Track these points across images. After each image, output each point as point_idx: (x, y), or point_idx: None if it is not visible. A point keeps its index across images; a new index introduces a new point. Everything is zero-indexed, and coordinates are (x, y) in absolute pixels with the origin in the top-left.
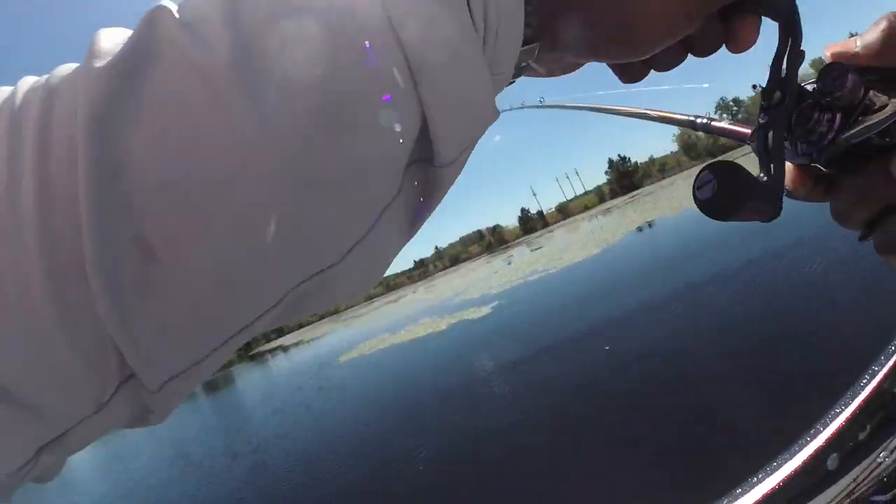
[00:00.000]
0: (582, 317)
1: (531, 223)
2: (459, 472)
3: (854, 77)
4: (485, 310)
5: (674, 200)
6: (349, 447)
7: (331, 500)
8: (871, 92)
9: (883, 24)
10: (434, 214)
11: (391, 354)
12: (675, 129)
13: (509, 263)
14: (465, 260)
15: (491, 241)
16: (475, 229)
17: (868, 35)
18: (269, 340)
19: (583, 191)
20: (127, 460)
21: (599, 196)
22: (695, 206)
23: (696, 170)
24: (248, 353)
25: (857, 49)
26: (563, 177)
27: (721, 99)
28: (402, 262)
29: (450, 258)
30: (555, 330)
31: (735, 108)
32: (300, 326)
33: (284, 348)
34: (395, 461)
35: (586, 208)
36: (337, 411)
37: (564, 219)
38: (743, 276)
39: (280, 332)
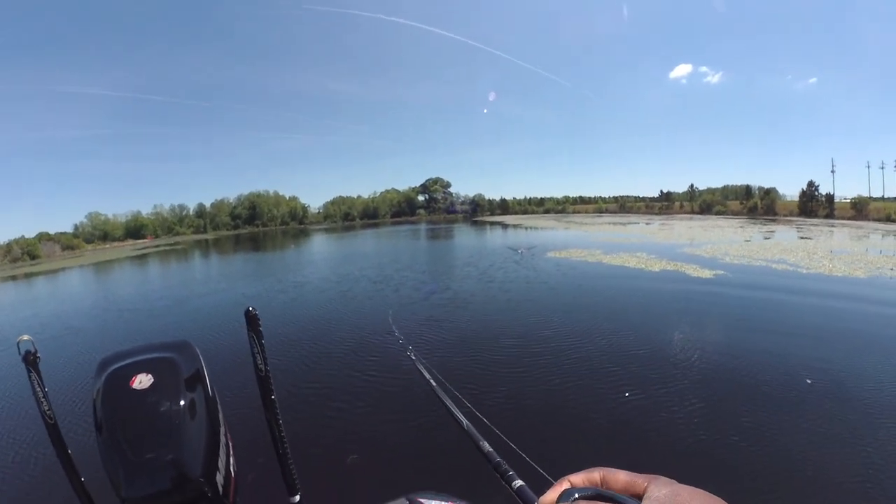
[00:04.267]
0: (784, 339)
1: (813, 205)
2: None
3: None
4: (705, 272)
5: None
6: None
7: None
8: None
9: None
10: (702, 148)
11: (592, 269)
12: None
13: (766, 239)
14: (718, 213)
15: (758, 205)
16: (745, 183)
17: None
18: (493, 213)
19: (894, 194)
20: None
21: None
22: None
23: None
24: (472, 218)
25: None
26: (878, 164)
27: None
28: (647, 187)
29: (702, 204)
30: (745, 335)
31: None
32: (524, 213)
33: (504, 225)
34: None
35: (888, 219)
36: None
37: (856, 218)
38: None
39: (505, 211)
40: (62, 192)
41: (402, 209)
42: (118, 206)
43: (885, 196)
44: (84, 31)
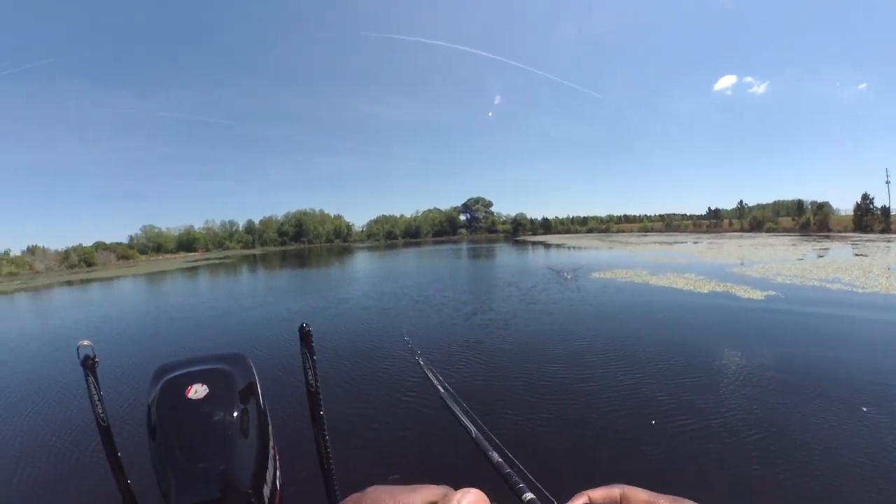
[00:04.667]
0: (838, 363)
1: (869, 219)
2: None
3: None
4: (756, 293)
5: None
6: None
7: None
8: None
9: None
10: (750, 162)
11: (638, 290)
12: None
13: (820, 257)
14: (769, 231)
15: (810, 220)
16: (796, 198)
17: None
18: (535, 233)
19: None
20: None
21: None
22: None
23: None
24: (514, 237)
25: None
26: None
27: None
28: (694, 205)
29: (752, 221)
30: (796, 360)
31: None
32: (567, 232)
33: (547, 245)
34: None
35: None
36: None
37: None
38: None
39: (548, 230)
40: (120, 205)
41: (443, 228)
42: (172, 221)
43: None
44: (145, 53)
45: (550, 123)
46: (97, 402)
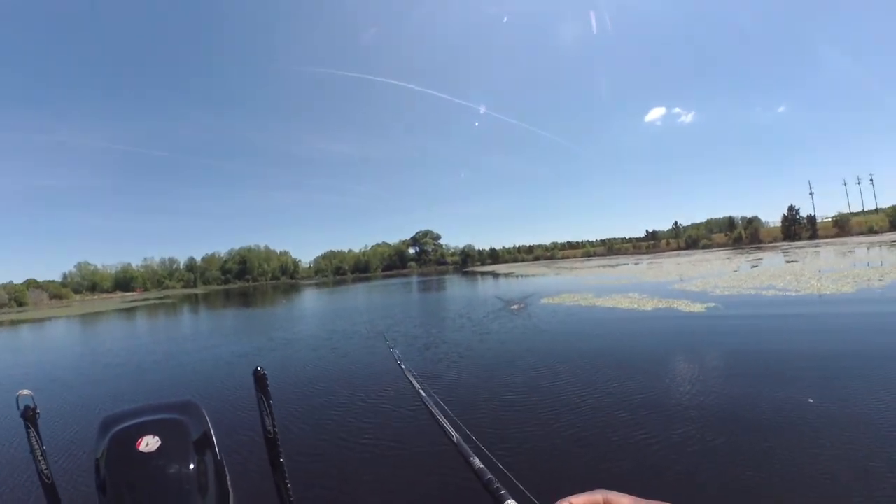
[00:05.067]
0: (779, 362)
1: (796, 228)
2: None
3: None
4: (697, 307)
5: None
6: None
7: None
8: None
9: None
10: (682, 185)
11: (585, 313)
12: None
13: (754, 267)
14: (704, 247)
15: (742, 235)
16: (727, 215)
17: None
18: (483, 263)
19: (874, 206)
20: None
21: (892, 220)
22: None
23: None
24: (463, 269)
25: None
26: (854, 180)
27: None
28: (633, 228)
29: (687, 239)
30: (740, 363)
31: None
32: (514, 261)
33: (496, 274)
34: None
35: (870, 231)
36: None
37: (839, 235)
38: None
39: (496, 260)
40: (53, 240)
41: (393, 262)
42: (108, 257)
43: (865, 209)
44: (86, 85)
45: (498, 159)
46: (40, 458)
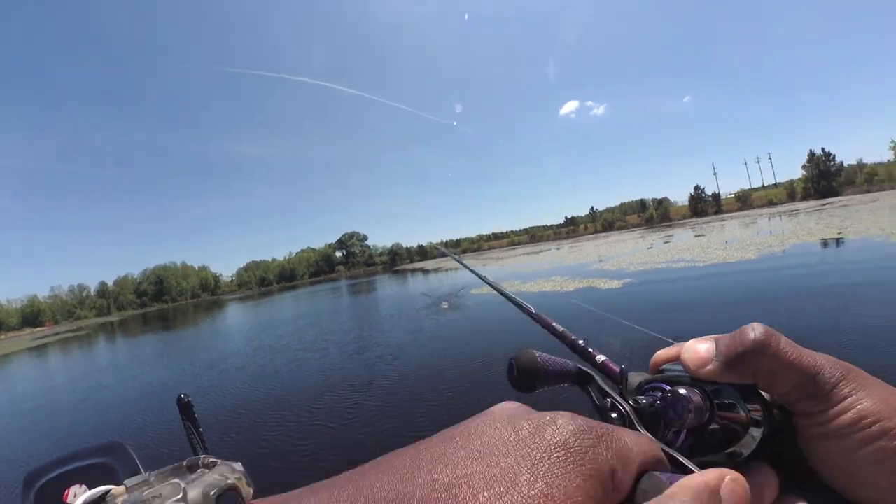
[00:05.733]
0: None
1: (703, 205)
2: None
3: (697, 403)
4: (615, 283)
5: (866, 222)
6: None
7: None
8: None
9: (752, 339)
10: (597, 172)
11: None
12: (895, 134)
13: (666, 243)
14: (619, 228)
15: (653, 215)
16: (639, 197)
17: (731, 349)
18: (412, 261)
19: (772, 181)
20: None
21: (789, 192)
22: (883, 235)
23: None
24: (392, 268)
25: (710, 367)
26: (754, 160)
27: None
28: (554, 216)
29: (604, 222)
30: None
31: None
32: (443, 256)
33: (425, 271)
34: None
35: (770, 203)
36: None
37: (742, 209)
38: None
39: (424, 256)
40: None
41: (320, 268)
42: (11, 290)
43: (765, 184)
44: None
45: (422, 156)
46: None
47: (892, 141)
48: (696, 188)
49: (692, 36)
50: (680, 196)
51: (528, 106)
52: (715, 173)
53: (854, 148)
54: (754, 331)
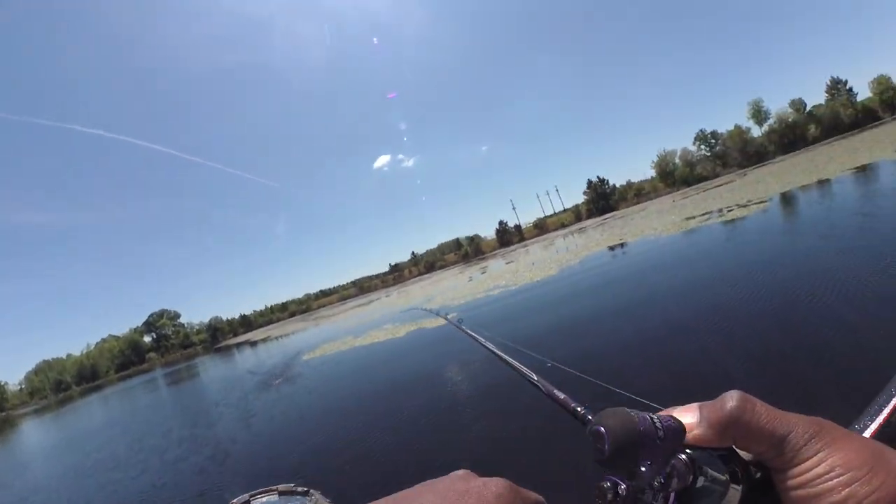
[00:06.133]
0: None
1: (508, 236)
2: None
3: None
4: (440, 321)
5: (640, 226)
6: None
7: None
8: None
9: (729, 408)
10: (413, 219)
11: (347, 356)
12: (654, 156)
13: (483, 273)
14: (441, 267)
15: (468, 251)
16: (454, 237)
17: (711, 417)
18: (236, 334)
19: (561, 208)
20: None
21: (576, 215)
22: (654, 233)
23: (669, 197)
24: (215, 346)
25: (694, 433)
26: (544, 193)
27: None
28: (378, 265)
29: (426, 264)
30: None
31: (713, 140)
32: (269, 323)
33: (252, 343)
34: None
35: (563, 226)
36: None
37: (540, 234)
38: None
39: (248, 327)
40: None
41: (127, 358)
42: None
43: (556, 211)
44: None
45: (230, 216)
46: None
47: (653, 161)
48: (501, 222)
49: (485, 98)
50: (488, 231)
51: (342, 164)
52: (514, 208)
53: (623, 171)
54: (732, 399)
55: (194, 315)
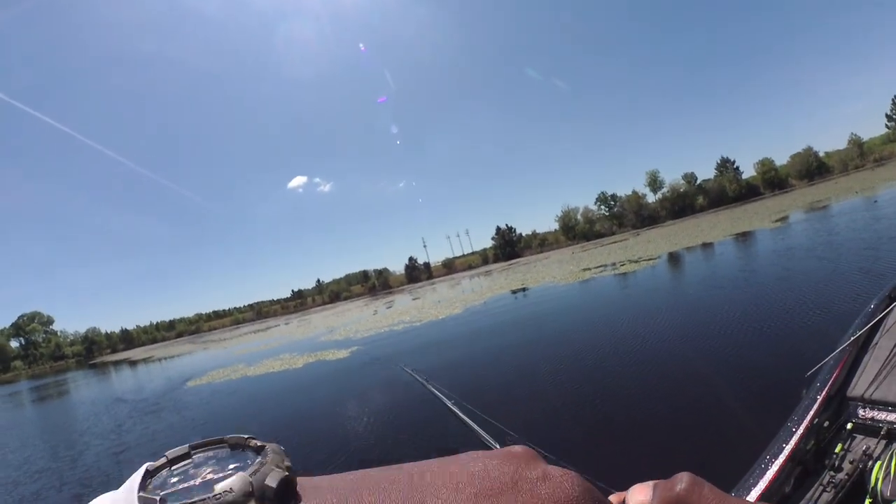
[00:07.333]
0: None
1: (417, 273)
2: None
3: None
4: (342, 353)
5: (541, 273)
6: None
7: None
8: None
9: (678, 490)
10: (322, 246)
11: (237, 386)
12: (559, 211)
13: (388, 308)
14: (346, 298)
15: (375, 284)
16: (362, 269)
17: (662, 497)
18: (115, 350)
19: (470, 250)
20: None
21: (483, 258)
22: (554, 280)
23: (570, 249)
24: (89, 361)
25: None
26: (455, 235)
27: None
28: (280, 289)
29: (330, 294)
30: (383, 386)
31: (612, 202)
32: (153, 341)
33: (132, 362)
34: None
35: (470, 267)
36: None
37: (448, 273)
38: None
39: (130, 344)
40: None
41: None
42: None
43: (465, 253)
44: None
45: (124, 216)
46: None
47: (557, 216)
48: (411, 258)
49: (406, 137)
50: (397, 266)
51: (253, 179)
52: (425, 246)
53: (530, 221)
54: (682, 482)
55: (69, 323)
